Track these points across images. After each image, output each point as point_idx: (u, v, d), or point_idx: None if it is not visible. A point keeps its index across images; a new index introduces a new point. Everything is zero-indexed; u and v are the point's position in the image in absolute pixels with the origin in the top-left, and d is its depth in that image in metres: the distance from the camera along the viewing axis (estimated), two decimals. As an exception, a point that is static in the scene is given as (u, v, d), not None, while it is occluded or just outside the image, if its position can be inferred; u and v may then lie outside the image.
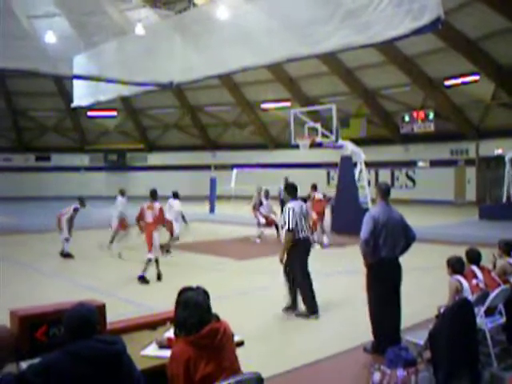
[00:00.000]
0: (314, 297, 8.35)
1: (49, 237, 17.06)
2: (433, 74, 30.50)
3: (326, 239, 16.18)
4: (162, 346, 4.07)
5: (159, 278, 11.35)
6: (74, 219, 14.51)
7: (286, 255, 8.42)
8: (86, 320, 3.20)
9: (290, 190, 8.78)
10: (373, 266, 6.51)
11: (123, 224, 15.57)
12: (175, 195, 15.47)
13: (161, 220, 11.88)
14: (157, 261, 11.40)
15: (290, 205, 8.45)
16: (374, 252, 6.43)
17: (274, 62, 17.25)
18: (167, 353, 3.58)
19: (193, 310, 3.43)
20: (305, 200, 15.78)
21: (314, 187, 16.66)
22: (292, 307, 8.53)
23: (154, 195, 11.77)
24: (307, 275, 8.45)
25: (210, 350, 3.36)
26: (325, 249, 15.69)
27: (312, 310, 8.28)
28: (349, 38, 13.10)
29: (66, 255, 14.24)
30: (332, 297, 9.58)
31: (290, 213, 8.31)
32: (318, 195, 16.53)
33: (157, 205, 11.61)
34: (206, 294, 3.57)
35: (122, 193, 16.06)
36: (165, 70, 18.25)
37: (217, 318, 3.54)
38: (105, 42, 18.67)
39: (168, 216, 14.04)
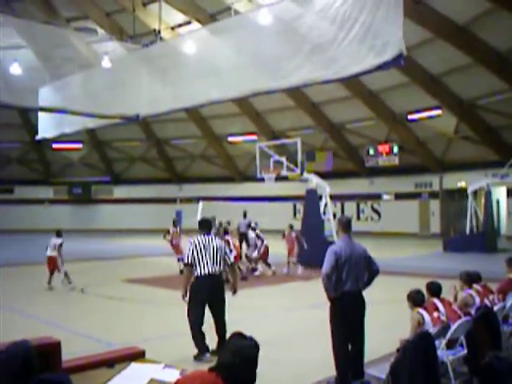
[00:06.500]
0: (202, 338, 7.68)
1: (7, 271, 16.64)
2: (397, 109, 31.11)
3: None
4: None
5: None
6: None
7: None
8: (19, 361, 2.94)
9: (203, 224, 8.17)
10: (336, 300, 6.47)
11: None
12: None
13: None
14: None
15: (193, 238, 7.90)
16: (336, 286, 6.41)
17: (240, 96, 17.30)
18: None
19: (247, 366, 2.97)
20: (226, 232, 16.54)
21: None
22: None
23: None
24: (200, 315, 7.71)
25: None
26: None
27: (199, 351, 7.64)
28: (314, 73, 13.23)
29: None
30: (295, 331, 9.51)
31: (190, 247, 7.78)
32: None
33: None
34: (257, 347, 3.07)
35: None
36: (131, 103, 18.15)
37: None
38: (71, 74, 18.53)
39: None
